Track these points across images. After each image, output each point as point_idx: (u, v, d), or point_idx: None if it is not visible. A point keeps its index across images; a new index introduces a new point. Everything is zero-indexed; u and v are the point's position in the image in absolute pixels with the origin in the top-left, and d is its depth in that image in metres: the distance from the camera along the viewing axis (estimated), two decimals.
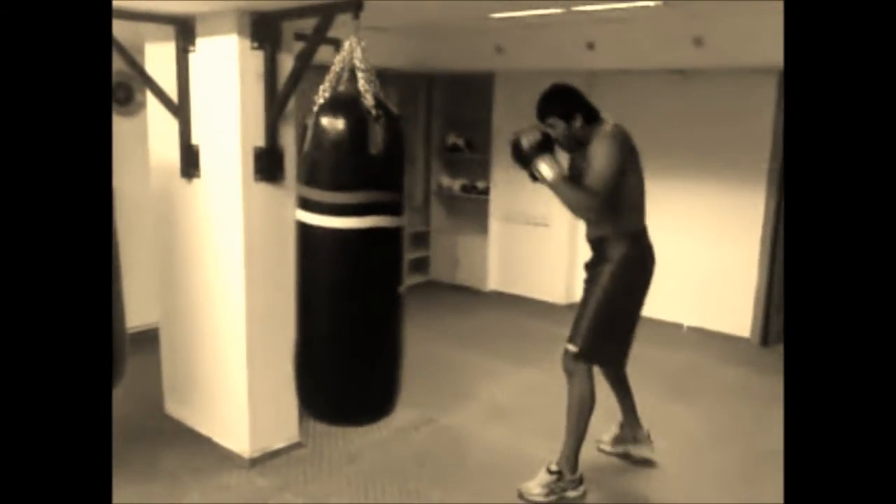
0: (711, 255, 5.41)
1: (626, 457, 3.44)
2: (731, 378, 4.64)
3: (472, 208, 6.70)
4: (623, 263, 3.01)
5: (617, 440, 3.47)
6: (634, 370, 4.67)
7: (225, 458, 3.34)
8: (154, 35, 3.35)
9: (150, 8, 2.98)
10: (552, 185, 2.85)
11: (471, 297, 6.46)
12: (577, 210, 2.93)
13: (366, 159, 2.26)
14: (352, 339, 2.45)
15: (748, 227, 5.19)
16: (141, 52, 3.43)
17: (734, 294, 5.30)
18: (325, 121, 2.26)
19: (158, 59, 3.36)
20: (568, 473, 3.06)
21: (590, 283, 3.09)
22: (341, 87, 2.35)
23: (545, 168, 2.84)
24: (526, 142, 2.88)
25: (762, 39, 4.18)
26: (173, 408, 3.74)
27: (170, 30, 3.21)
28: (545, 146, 2.87)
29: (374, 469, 3.32)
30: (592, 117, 2.99)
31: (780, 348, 5.14)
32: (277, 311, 3.30)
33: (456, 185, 6.77)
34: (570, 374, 3.06)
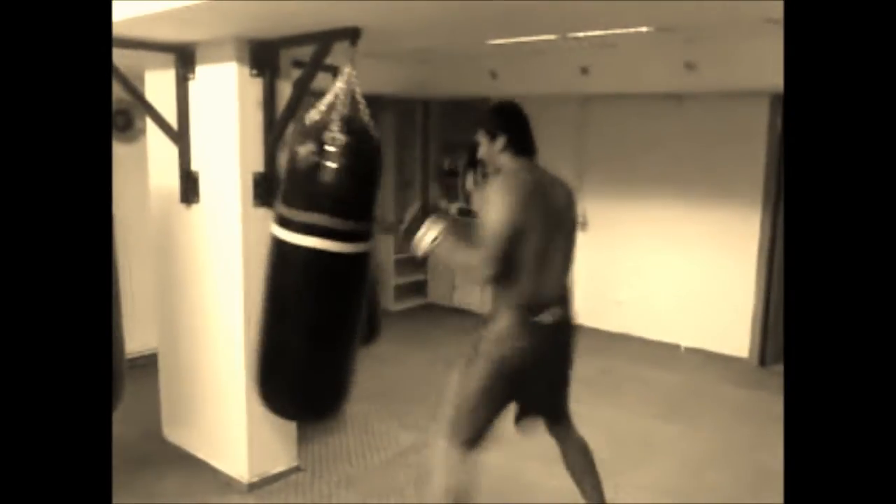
0: (708, 276, 5.44)
1: None
2: (730, 398, 4.64)
3: (469, 232, 6.72)
4: (501, 346, 2.49)
5: None
6: (632, 391, 4.69)
7: (223, 482, 3.33)
8: (154, 63, 3.39)
9: (151, 37, 3.03)
10: (436, 254, 2.52)
11: (469, 319, 6.45)
12: (470, 276, 2.51)
13: (318, 185, 2.45)
14: (303, 341, 2.69)
15: (744, 248, 5.22)
16: (141, 79, 3.47)
17: (731, 315, 5.32)
18: (296, 145, 2.49)
19: (158, 86, 3.40)
20: None
21: (473, 357, 2.56)
22: (328, 114, 2.47)
23: (422, 236, 2.52)
24: (405, 223, 2.56)
25: (754, 63, 4.24)
26: (172, 432, 3.73)
27: (169, 58, 3.25)
28: (427, 212, 2.57)
29: (374, 492, 3.30)
30: (519, 149, 2.59)
31: (778, 368, 5.15)
32: None
33: (453, 208, 6.80)
34: (442, 462, 2.57)
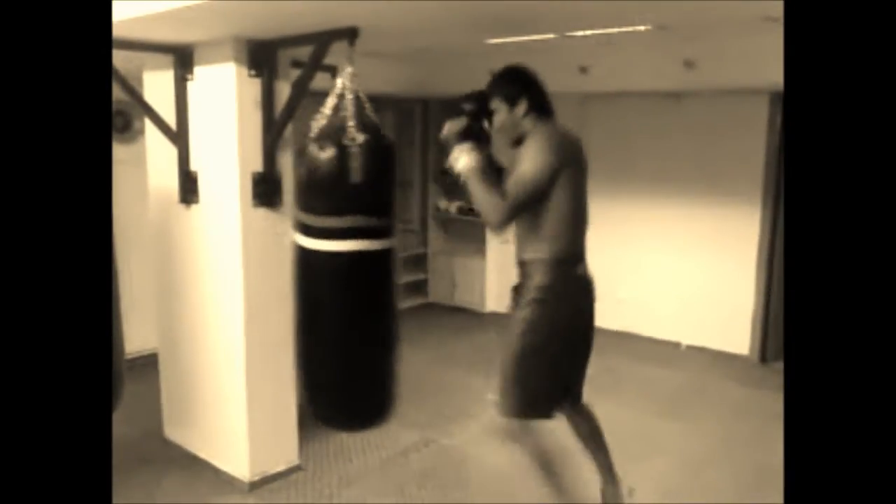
0: (708, 274, 5.43)
1: None
2: (731, 396, 4.63)
3: (469, 230, 6.73)
4: (543, 301, 2.54)
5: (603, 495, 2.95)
6: (633, 389, 4.69)
7: (224, 482, 3.33)
8: (152, 63, 3.39)
9: (149, 37, 3.03)
10: (464, 180, 2.50)
11: (469, 318, 6.46)
12: (485, 216, 2.51)
13: (346, 187, 2.37)
14: (340, 354, 2.54)
15: (744, 246, 5.22)
16: (139, 80, 3.47)
17: (732, 312, 5.31)
18: (314, 150, 2.39)
19: (157, 87, 3.40)
20: None
21: (510, 321, 2.63)
22: (335, 115, 2.43)
23: (458, 157, 2.49)
24: (447, 129, 2.56)
25: (753, 61, 4.23)
26: (173, 432, 3.73)
27: (168, 58, 3.25)
28: (470, 135, 2.54)
29: (375, 491, 3.31)
30: (541, 111, 2.62)
31: (779, 365, 5.14)
32: (276, 336, 3.32)
33: (453, 207, 6.80)
34: (509, 437, 2.67)
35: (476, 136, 2.54)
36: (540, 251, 2.56)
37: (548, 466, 2.62)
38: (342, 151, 2.34)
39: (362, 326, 2.53)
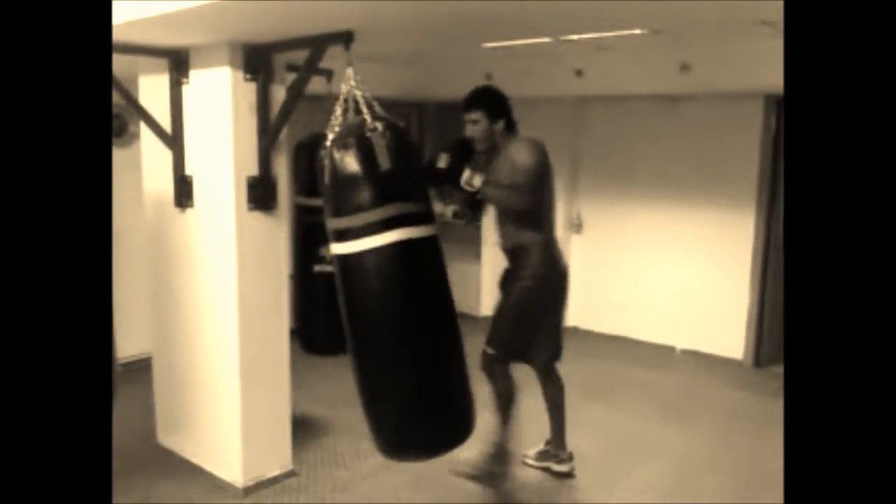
0: (703, 278, 5.44)
1: (546, 471, 3.52)
2: (725, 400, 4.64)
3: (464, 235, 6.72)
4: (540, 271, 3.16)
5: (541, 456, 3.56)
6: (628, 393, 4.69)
7: (218, 487, 3.32)
8: (148, 67, 3.38)
9: (144, 41, 3.02)
10: (483, 191, 2.98)
11: (464, 322, 6.39)
12: (515, 204, 3.08)
13: (379, 175, 2.28)
14: (418, 358, 2.46)
15: (739, 250, 5.23)
16: (135, 84, 3.46)
17: (726, 316, 5.33)
18: (336, 152, 2.31)
19: (152, 91, 3.39)
20: (498, 462, 3.24)
21: (507, 290, 3.23)
22: (346, 118, 2.42)
23: (474, 178, 2.95)
24: (443, 161, 2.97)
25: (748, 64, 4.25)
26: (166, 438, 3.71)
27: (163, 62, 3.24)
28: (462, 160, 2.99)
29: (368, 496, 3.30)
30: (511, 128, 3.19)
31: (773, 369, 5.16)
32: (270, 340, 3.31)
33: (448, 211, 6.79)
34: (489, 373, 3.21)
35: (465, 160, 3.03)
36: (533, 237, 3.15)
37: (507, 408, 3.18)
38: (366, 143, 2.28)
39: (426, 327, 2.44)
